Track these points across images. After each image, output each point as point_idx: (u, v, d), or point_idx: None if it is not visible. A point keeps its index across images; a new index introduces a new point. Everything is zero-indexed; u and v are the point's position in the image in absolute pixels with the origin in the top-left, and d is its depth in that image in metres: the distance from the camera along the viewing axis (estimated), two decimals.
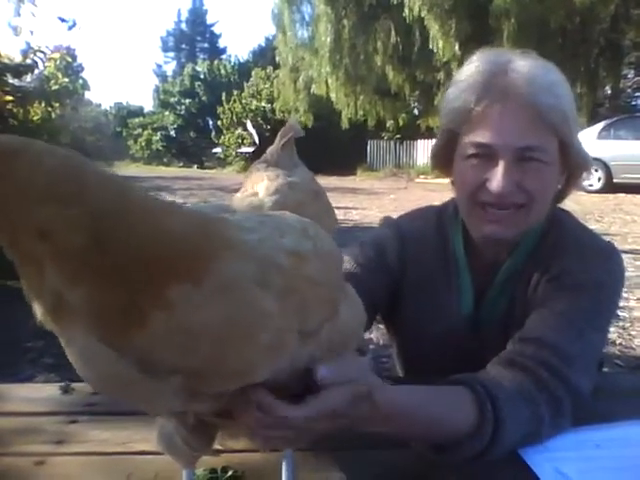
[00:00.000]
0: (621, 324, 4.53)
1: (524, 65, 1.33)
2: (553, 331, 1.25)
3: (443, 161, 1.47)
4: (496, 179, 1.30)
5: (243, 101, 30.56)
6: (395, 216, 1.71)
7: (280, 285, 0.80)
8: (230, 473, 1.13)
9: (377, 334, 3.83)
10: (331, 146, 26.85)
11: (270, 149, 1.26)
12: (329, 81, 22.60)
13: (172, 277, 0.72)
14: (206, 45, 62.35)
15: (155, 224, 0.74)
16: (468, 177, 1.36)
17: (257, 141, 24.84)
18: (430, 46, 18.56)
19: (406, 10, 18.44)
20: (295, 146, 1.27)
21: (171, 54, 63.79)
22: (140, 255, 0.71)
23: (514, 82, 1.30)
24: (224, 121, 31.16)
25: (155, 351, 0.73)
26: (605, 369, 2.07)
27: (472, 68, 1.37)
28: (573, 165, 1.40)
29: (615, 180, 13.28)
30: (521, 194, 1.31)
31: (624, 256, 1.44)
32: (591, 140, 13.12)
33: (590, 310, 1.29)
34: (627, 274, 1.42)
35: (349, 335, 1.01)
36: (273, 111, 28.56)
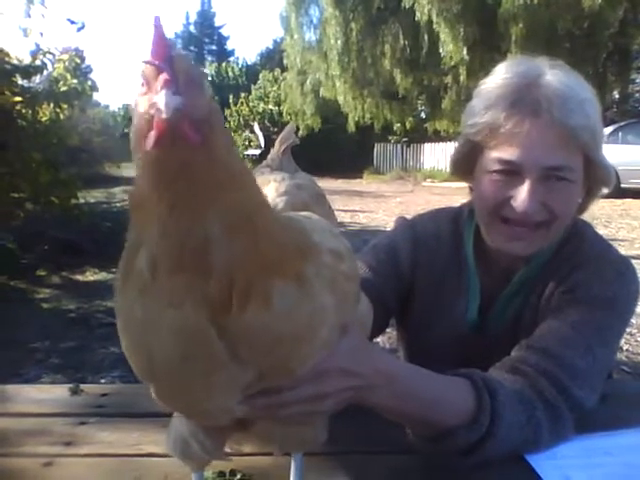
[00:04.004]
0: (628, 330, 4.51)
1: (555, 80, 1.29)
2: (561, 343, 1.25)
3: (463, 169, 1.46)
4: (521, 198, 1.28)
5: (250, 104, 30.51)
6: (409, 217, 1.71)
7: (329, 282, 0.85)
8: (239, 476, 1.13)
9: (383, 338, 3.83)
10: (338, 149, 26.86)
11: (271, 154, 1.28)
12: (337, 84, 22.57)
13: (278, 273, 0.79)
14: (214, 47, 62.44)
15: (272, 225, 0.82)
16: (491, 192, 1.34)
17: (263, 144, 24.87)
18: (438, 50, 18.53)
19: (417, 14, 18.40)
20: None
21: None
22: (256, 249, 0.77)
23: (545, 98, 1.26)
24: (231, 123, 31.14)
25: (247, 339, 0.77)
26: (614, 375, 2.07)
27: (499, 80, 1.33)
28: (596, 181, 1.38)
29: (623, 185, 13.19)
30: (545, 213, 1.29)
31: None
32: None
33: (601, 325, 1.29)
34: None
35: (365, 324, 1.09)
36: (280, 114, 28.55)
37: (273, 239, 0.80)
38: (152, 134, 0.70)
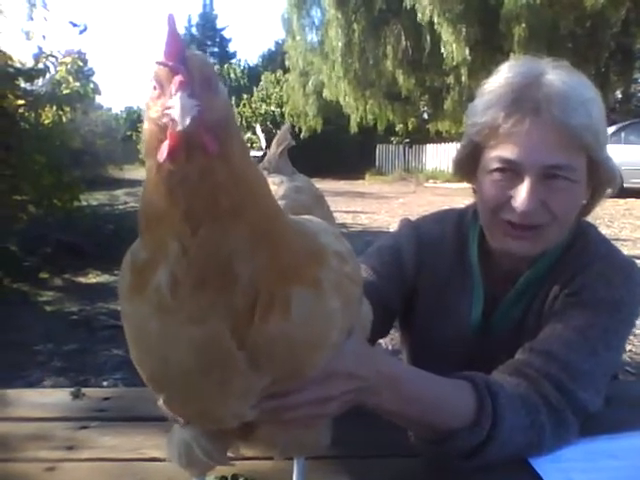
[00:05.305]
0: (632, 330, 4.49)
1: (557, 79, 1.28)
2: (565, 346, 1.24)
3: (466, 170, 1.45)
4: (521, 197, 1.27)
5: (253, 105, 30.54)
6: (413, 218, 1.70)
7: (336, 285, 0.85)
8: None
9: (386, 340, 3.81)
10: (340, 150, 26.85)
11: (267, 156, 1.27)
12: (339, 85, 22.60)
13: (295, 280, 0.78)
14: (216, 49, 62.37)
15: (288, 232, 0.81)
16: (492, 192, 1.33)
17: (264, 145, 24.91)
18: (440, 50, 18.52)
19: (419, 14, 18.40)
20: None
21: None
22: (276, 258, 0.76)
23: (546, 98, 1.25)
24: None
25: (267, 348, 0.77)
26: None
27: (501, 79, 1.33)
28: (601, 182, 1.37)
29: (626, 185, 13.12)
30: (545, 214, 1.28)
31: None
32: None
33: (607, 328, 1.28)
34: None
35: (366, 327, 1.08)
36: (282, 115, 28.60)
37: (290, 246, 0.79)
38: (165, 145, 0.66)
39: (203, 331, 0.74)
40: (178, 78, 0.65)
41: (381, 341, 3.79)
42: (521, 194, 1.27)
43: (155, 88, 0.69)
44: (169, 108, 0.65)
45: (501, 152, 1.30)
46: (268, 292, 0.74)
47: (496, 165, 1.31)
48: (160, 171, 0.69)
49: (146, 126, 0.72)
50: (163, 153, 0.67)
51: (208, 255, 0.71)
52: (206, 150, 0.67)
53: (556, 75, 1.29)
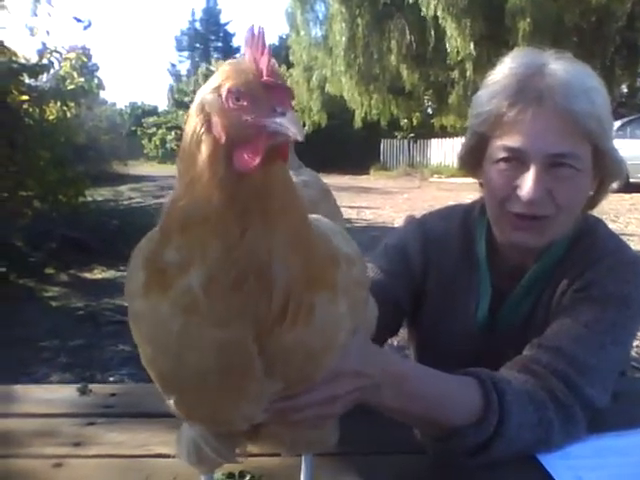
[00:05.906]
0: None
1: (560, 69, 1.28)
2: (573, 342, 1.24)
3: (471, 163, 1.45)
4: (526, 186, 1.26)
5: None
6: (418, 215, 1.69)
7: (345, 288, 0.85)
8: (248, 477, 1.13)
9: None
10: (345, 145, 26.80)
11: None
12: (343, 80, 22.53)
13: (318, 286, 0.79)
14: (220, 44, 62.26)
15: (315, 236, 0.82)
16: (498, 182, 1.33)
17: None
18: (445, 45, 18.47)
19: (423, 9, 18.34)
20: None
21: (185, 53, 63.74)
22: (308, 264, 0.77)
23: (549, 86, 1.26)
24: None
25: (285, 355, 0.78)
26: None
27: (505, 70, 1.33)
28: (607, 172, 1.36)
29: (631, 180, 13.03)
30: (551, 204, 1.28)
31: None
32: None
33: (615, 324, 1.27)
34: None
35: (371, 325, 1.09)
36: None
37: (318, 250, 0.80)
38: (249, 153, 0.69)
39: (226, 334, 0.74)
40: (289, 99, 0.71)
41: None
42: (527, 182, 1.27)
43: (239, 99, 0.70)
44: (273, 121, 0.68)
45: (506, 141, 1.30)
46: (298, 297, 0.76)
47: (501, 154, 1.31)
48: (228, 175, 0.71)
49: (220, 131, 0.72)
50: (250, 162, 0.69)
51: (251, 256, 0.72)
52: (285, 159, 0.73)
53: (559, 65, 1.30)
